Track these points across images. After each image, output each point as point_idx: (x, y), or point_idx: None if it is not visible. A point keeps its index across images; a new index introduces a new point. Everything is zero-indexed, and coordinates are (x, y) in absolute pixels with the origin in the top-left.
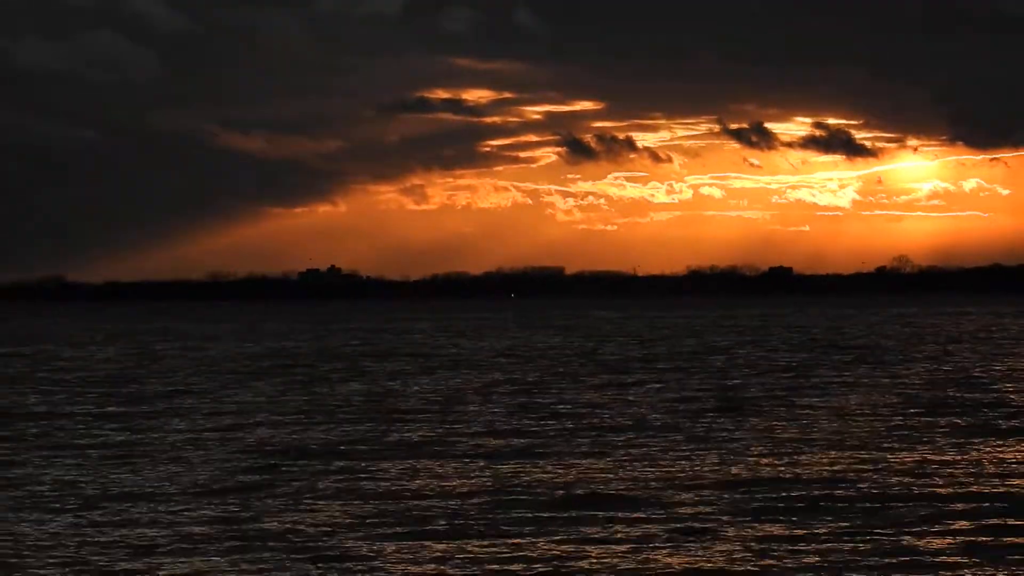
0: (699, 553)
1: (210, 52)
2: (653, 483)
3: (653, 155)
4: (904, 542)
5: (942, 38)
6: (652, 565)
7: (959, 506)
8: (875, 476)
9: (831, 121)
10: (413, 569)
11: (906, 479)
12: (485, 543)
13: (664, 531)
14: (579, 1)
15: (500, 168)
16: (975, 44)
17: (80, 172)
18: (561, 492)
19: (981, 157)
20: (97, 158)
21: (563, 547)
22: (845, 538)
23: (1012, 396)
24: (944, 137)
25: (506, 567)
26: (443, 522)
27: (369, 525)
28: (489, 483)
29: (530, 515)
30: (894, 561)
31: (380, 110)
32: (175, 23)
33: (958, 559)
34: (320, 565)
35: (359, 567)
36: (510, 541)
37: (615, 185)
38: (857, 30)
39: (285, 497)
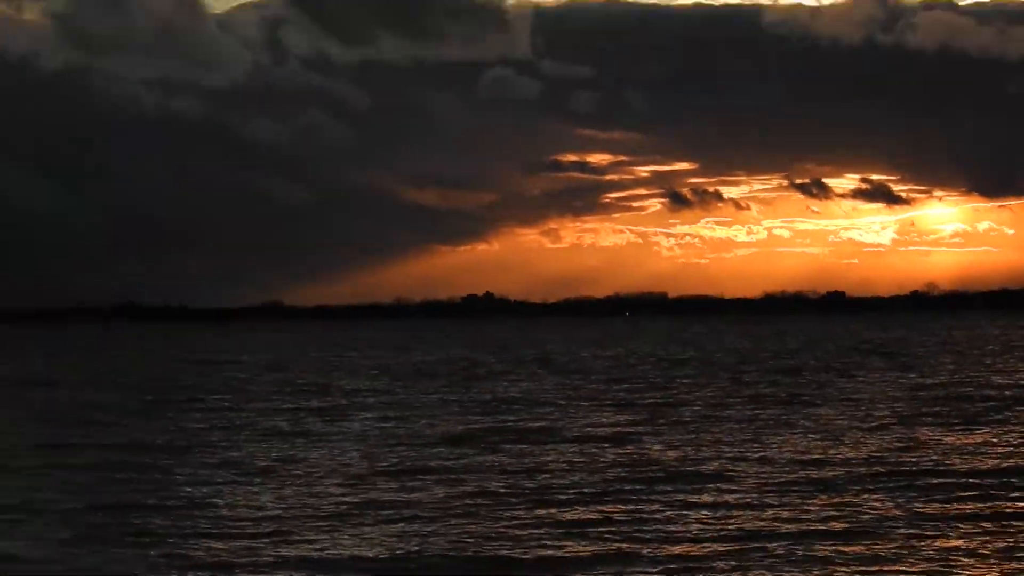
0: (769, 516)
1: (394, 126)
2: (733, 461)
3: (736, 204)
4: (931, 508)
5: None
6: (732, 525)
7: (973, 480)
8: (907, 455)
9: (874, 177)
10: (544, 531)
11: (933, 456)
12: (602, 508)
13: (739, 499)
14: (677, 85)
15: (617, 215)
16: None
17: (295, 219)
18: (660, 468)
19: (991, 204)
20: (308, 209)
21: (666, 512)
22: (888, 503)
23: (1018, 390)
24: (963, 189)
25: (619, 529)
26: (569, 492)
27: (511, 495)
28: (605, 461)
29: (639, 487)
30: (921, 523)
31: (524, 170)
32: (366, 102)
33: (973, 523)
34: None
35: (500, 528)
36: (623, 508)
37: (706, 228)
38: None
39: (443, 472)
